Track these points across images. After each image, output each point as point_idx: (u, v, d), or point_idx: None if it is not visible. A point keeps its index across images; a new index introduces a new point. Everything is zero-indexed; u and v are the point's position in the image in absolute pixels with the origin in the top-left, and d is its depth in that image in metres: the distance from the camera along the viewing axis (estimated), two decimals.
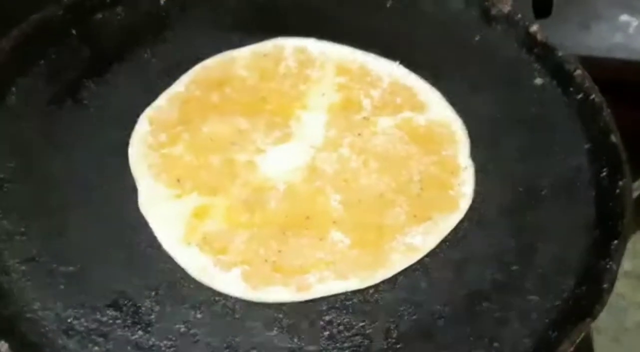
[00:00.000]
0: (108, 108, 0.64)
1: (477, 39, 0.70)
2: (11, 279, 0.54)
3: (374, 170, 0.61)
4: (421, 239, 0.58)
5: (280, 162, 0.61)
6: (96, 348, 0.51)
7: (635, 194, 0.58)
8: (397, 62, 0.68)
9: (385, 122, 0.64)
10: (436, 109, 0.66)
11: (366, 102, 0.65)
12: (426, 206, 0.59)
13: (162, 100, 0.65)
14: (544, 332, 0.53)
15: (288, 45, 0.69)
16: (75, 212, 0.58)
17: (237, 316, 0.53)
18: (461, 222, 0.59)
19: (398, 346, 0.52)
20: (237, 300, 0.54)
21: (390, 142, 0.63)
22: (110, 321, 0.52)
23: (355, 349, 0.52)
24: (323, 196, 0.59)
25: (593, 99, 0.63)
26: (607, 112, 0.62)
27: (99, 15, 0.69)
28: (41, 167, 0.60)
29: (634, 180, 0.59)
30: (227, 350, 0.52)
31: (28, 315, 0.52)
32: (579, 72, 0.65)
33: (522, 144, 0.63)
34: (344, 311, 0.54)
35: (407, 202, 0.59)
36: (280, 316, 0.54)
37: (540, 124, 0.64)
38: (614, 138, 0.61)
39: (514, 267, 0.56)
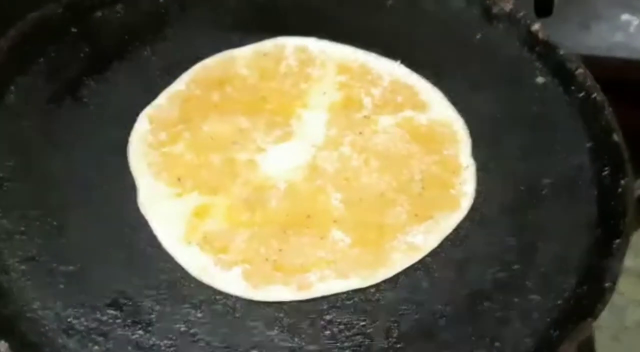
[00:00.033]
0: (108, 106, 0.64)
1: (478, 37, 0.70)
2: (11, 279, 0.54)
3: (375, 169, 0.61)
4: (422, 238, 0.57)
5: (281, 161, 0.61)
6: (96, 347, 0.51)
7: (637, 193, 0.58)
8: (398, 62, 0.68)
9: (386, 120, 0.64)
10: (437, 108, 0.65)
11: (367, 101, 0.65)
12: (427, 205, 0.59)
13: (162, 98, 0.65)
14: (545, 331, 0.53)
15: (289, 44, 0.69)
16: (75, 211, 0.57)
17: (237, 315, 0.53)
18: (462, 221, 0.59)
19: (399, 345, 0.52)
20: (238, 299, 0.54)
21: (391, 141, 0.62)
22: (110, 321, 0.52)
23: (356, 348, 0.52)
24: (324, 195, 0.59)
25: (595, 97, 0.63)
26: (608, 111, 0.62)
27: (99, 14, 0.69)
28: (41, 166, 0.59)
29: (635, 179, 0.59)
30: (228, 349, 0.52)
31: (28, 314, 0.52)
32: (580, 70, 0.65)
33: (524, 142, 0.63)
34: (345, 310, 0.54)
35: (408, 201, 0.59)
36: (281, 315, 0.53)
37: (542, 122, 0.64)
38: (615, 137, 0.60)
39: (516, 267, 0.56)
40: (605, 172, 0.60)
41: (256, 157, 0.62)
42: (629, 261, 0.55)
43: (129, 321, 0.52)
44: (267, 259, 0.55)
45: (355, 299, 0.54)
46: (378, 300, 0.54)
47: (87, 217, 0.57)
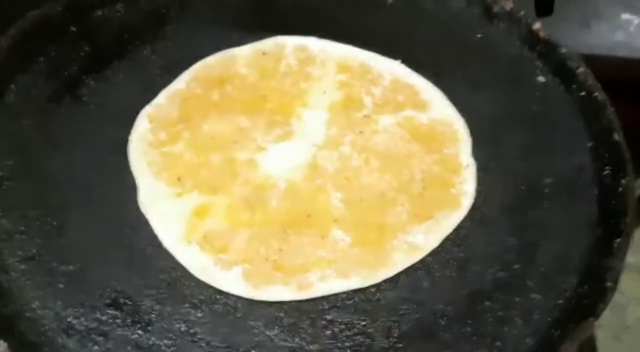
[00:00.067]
0: (108, 105, 0.64)
1: (478, 36, 0.70)
2: (10, 278, 0.53)
3: (376, 169, 0.61)
4: (423, 238, 0.57)
5: (281, 160, 0.61)
6: (96, 347, 0.51)
7: (638, 193, 0.58)
8: (399, 61, 0.68)
9: (386, 120, 0.64)
10: (438, 107, 0.65)
11: (367, 100, 0.65)
12: (428, 205, 0.59)
13: (162, 97, 0.65)
14: (546, 331, 0.52)
15: (289, 43, 0.69)
16: (74, 211, 0.57)
17: (238, 315, 0.53)
18: (463, 221, 0.59)
19: (400, 345, 0.52)
20: (238, 299, 0.54)
21: (391, 140, 0.62)
22: (110, 320, 0.52)
23: (356, 348, 0.52)
24: (324, 194, 0.59)
25: (596, 96, 0.63)
26: (610, 110, 0.62)
27: (99, 12, 0.69)
28: (40, 165, 0.59)
29: (636, 178, 0.59)
30: (228, 349, 0.51)
31: (27, 314, 0.52)
32: (581, 69, 0.65)
33: (525, 142, 0.63)
34: (345, 310, 0.54)
35: (409, 200, 0.59)
36: (281, 315, 0.53)
37: (543, 122, 0.64)
38: (616, 136, 0.60)
39: (516, 266, 0.56)
40: (606, 172, 0.60)
41: (256, 156, 0.61)
42: (630, 258, 0.55)
43: (128, 320, 0.52)
44: (267, 259, 0.55)
45: (356, 298, 0.54)
46: (378, 300, 0.54)
47: (87, 216, 0.57)
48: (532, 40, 0.68)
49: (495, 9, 0.70)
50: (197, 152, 0.61)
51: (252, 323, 0.53)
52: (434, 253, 0.57)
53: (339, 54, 0.69)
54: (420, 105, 0.65)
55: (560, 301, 0.54)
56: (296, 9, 0.72)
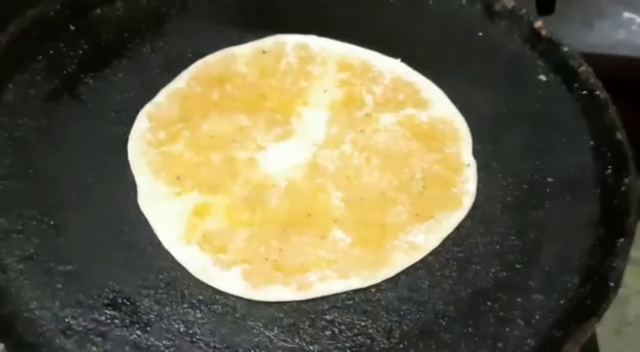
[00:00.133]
0: (107, 104, 0.64)
1: (480, 35, 0.70)
2: (8, 278, 0.53)
3: (376, 168, 0.60)
4: (423, 238, 0.57)
5: (281, 159, 0.61)
6: (94, 348, 0.50)
7: None
8: (399, 59, 0.68)
9: (387, 118, 0.64)
10: (439, 106, 0.65)
11: (368, 99, 0.65)
12: (428, 204, 0.59)
13: (161, 96, 0.65)
14: (548, 331, 0.52)
15: (289, 41, 0.69)
16: (73, 210, 0.57)
17: (237, 315, 0.53)
18: (464, 220, 0.58)
19: (400, 345, 0.52)
20: (238, 299, 0.54)
21: (392, 139, 0.62)
22: (109, 321, 0.52)
23: (356, 349, 0.52)
24: (324, 194, 0.59)
25: (598, 95, 0.63)
26: (612, 109, 0.62)
27: (98, 11, 0.69)
28: (39, 164, 0.59)
29: (639, 177, 0.58)
30: (227, 350, 0.51)
31: (25, 314, 0.52)
32: (583, 68, 0.64)
33: (526, 141, 0.63)
34: (346, 310, 0.53)
35: (410, 200, 0.59)
36: (281, 315, 0.53)
37: (544, 120, 0.64)
38: (619, 135, 0.60)
39: (518, 266, 0.56)
40: (609, 171, 0.60)
41: (256, 155, 0.61)
42: (633, 252, 0.54)
43: (127, 321, 0.52)
44: (267, 259, 0.55)
45: (356, 299, 0.54)
46: (379, 300, 0.54)
47: (85, 215, 0.57)
48: (534, 38, 0.68)
49: (497, 7, 0.70)
50: (196, 151, 0.61)
51: (251, 323, 0.52)
52: (434, 253, 0.57)
53: (340, 53, 0.68)
54: (421, 104, 0.65)
55: (562, 301, 0.54)
56: (296, 8, 0.72)
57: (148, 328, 0.52)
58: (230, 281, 0.54)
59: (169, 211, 0.58)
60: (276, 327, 0.52)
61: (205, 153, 0.61)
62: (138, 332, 0.51)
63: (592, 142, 0.62)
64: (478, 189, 0.60)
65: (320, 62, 0.67)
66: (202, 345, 0.51)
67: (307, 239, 0.56)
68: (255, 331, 0.52)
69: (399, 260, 0.56)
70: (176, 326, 0.52)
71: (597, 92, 0.63)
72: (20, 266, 0.54)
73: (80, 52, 0.66)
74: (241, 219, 0.57)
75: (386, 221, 0.58)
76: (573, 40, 0.69)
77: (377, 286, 0.55)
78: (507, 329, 0.52)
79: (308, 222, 0.57)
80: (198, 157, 0.61)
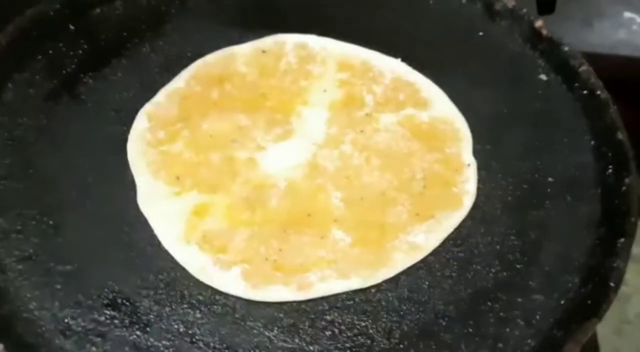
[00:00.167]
0: (106, 104, 0.63)
1: (480, 34, 0.70)
2: (7, 278, 0.53)
3: (376, 168, 0.60)
4: (424, 238, 0.57)
5: (281, 159, 0.61)
6: (93, 349, 0.50)
7: None
8: (400, 59, 0.68)
9: (387, 118, 0.64)
10: (439, 106, 0.65)
11: (368, 99, 0.65)
12: (429, 204, 0.59)
13: (161, 96, 0.64)
14: (549, 332, 0.52)
15: (289, 41, 0.69)
16: (72, 210, 0.57)
17: (237, 316, 0.53)
18: (464, 220, 0.58)
19: (400, 346, 0.52)
20: (237, 299, 0.53)
21: (392, 139, 0.62)
22: (108, 321, 0.52)
23: (356, 349, 0.52)
24: (324, 194, 0.59)
25: (598, 95, 0.63)
26: (613, 109, 0.62)
27: (97, 10, 0.69)
28: (38, 164, 0.59)
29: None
30: (227, 350, 0.51)
31: (24, 315, 0.51)
32: (584, 68, 0.64)
33: (527, 140, 0.63)
34: (346, 311, 0.53)
35: (410, 200, 0.59)
36: (281, 315, 0.53)
37: (545, 120, 0.64)
38: (619, 135, 0.60)
39: (518, 266, 0.56)
40: (609, 171, 0.59)
41: (256, 155, 0.61)
42: (634, 249, 0.54)
43: (126, 321, 0.52)
44: (267, 259, 0.55)
45: (356, 299, 0.54)
46: (379, 300, 0.54)
47: (84, 215, 0.57)
48: (534, 38, 0.68)
49: (497, 6, 0.70)
50: (196, 151, 0.61)
51: (251, 324, 0.52)
52: (435, 253, 0.56)
53: (340, 52, 0.68)
54: (422, 104, 0.65)
55: (562, 302, 0.54)
56: (296, 7, 0.71)
57: (148, 328, 0.52)
58: (230, 281, 0.54)
59: (169, 210, 0.58)
60: (276, 328, 0.52)
61: (205, 153, 0.61)
62: (138, 332, 0.51)
63: (592, 142, 0.62)
64: (478, 189, 0.60)
65: (320, 62, 0.67)
66: (201, 345, 0.51)
67: (307, 239, 0.56)
68: (255, 331, 0.52)
69: (399, 260, 0.56)
70: (176, 326, 0.52)
71: (598, 92, 0.63)
72: (20, 266, 0.54)
73: (80, 51, 0.66)
74: (241, 219, 0.57)
75: (386, 220, 0.58)
76: (573, 40, 0.69)
77: (377, 286, 0.54)
78: (508, 330, 0.52)
79: (308, 222, 0.57)
80: (198, 157, 0.61)
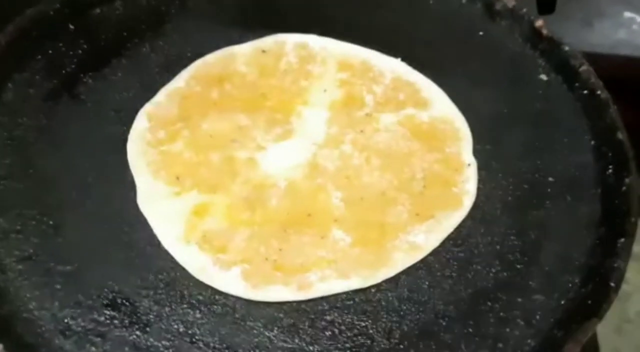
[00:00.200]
0: (106, 104, 0.63)
1: (480, 34, 0.70)
2: (7, 278, 0.53)
3: (376, 168, 0.60)
4: (424, 238, 0.57)
5: (281, 159, 0.61)
6: (93, 349, 0.50)
7: None
8: (400, 59, 0.68)
9: (387, 118, 0.63)
10: (439, 106, 0.65)
11: (369, 99, 0.65)
12: (429, 204, 0.59)
13: (161, 96, 0.64)
14: (549, 332, 0.52)
15: (289, 41, 0.69)
16: (72, 210, 0.57)
17: (237, 316, 0.53)
18: (464, 220, 0.58)
19: (400, 346, 0.52)
20: (237, 299, 0.53)
21: (392, 139, 0.62)
22: (108, 321, 0.52)
23: (356, 349, 0.52)
24: (324, 194, 0.59)
25: (599, 95, 0.63)
26: (613, 109, 0.62)
27: (97, 10, 0.69)
28: (38, 164, 0.59)
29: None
30: (227, 350, 0.51)
31: (24, 315, 0.51)
32: (584, 67, 0.64)
33: (527, 140, 0.63)
34: (346, 311, 0.53)
35: (410, 200, 0.59)
36: (281, 315, 0.53)
37: (545, 120, 0.64)
38: (619, 135, 0.60)
39: (518, 266, 0.56)
40: (609, 171, 0.59)
41: (256, 155, 0.61)
42: (635, 247, 0.54)
43: (126, 321, 0.52)
44: (267, 259, 0.55)
45: (356, 299, 0.54)
46: (379, 300, 0.54)
47: (84, 215, 0.57)
48: (535, 38, 0.68)
49: (497, 6, 0.70)
50: (196, 150, 0.61)
51: (251, 324, 0.52)
52: (435, 253, 0.56)
53: (340, 52, 0.68)
54: (422, 104, 0.65)
55: (562, 302, 0.53)
56: (296, 7, 0.71)
57: (147, 329, 0.51)
58: (230, 281, 0.54)
59: (169, 210, 0.58)
60: (276, 328, 0.52)
61: (205, 153, 0.61)
62: (137, 332, 0.51)
63: (593, 142, 0.62)
64: (478, 188, 0.60)
65: (320, 62, 0.67)
66: (201, 345, 0.51)
67: (307, 239, 0.56)
68: (255, 331, 0.52)
69: (399, 260, 0.56)
70: (176, 326, 0.52)
71: (598, 92, 0.63)
72: (19, 266, 0.54)
73: (80, 51, 0.66)
74: (241, 219, 0.57)
75: (386, 220, 0.57)
76: (574, 39, 0.69)
77: (377, 286, 0.54)
78: (508, 330, 0.52)
79: (308, 222, 0.57)
80: (197, 156, 0.61)
